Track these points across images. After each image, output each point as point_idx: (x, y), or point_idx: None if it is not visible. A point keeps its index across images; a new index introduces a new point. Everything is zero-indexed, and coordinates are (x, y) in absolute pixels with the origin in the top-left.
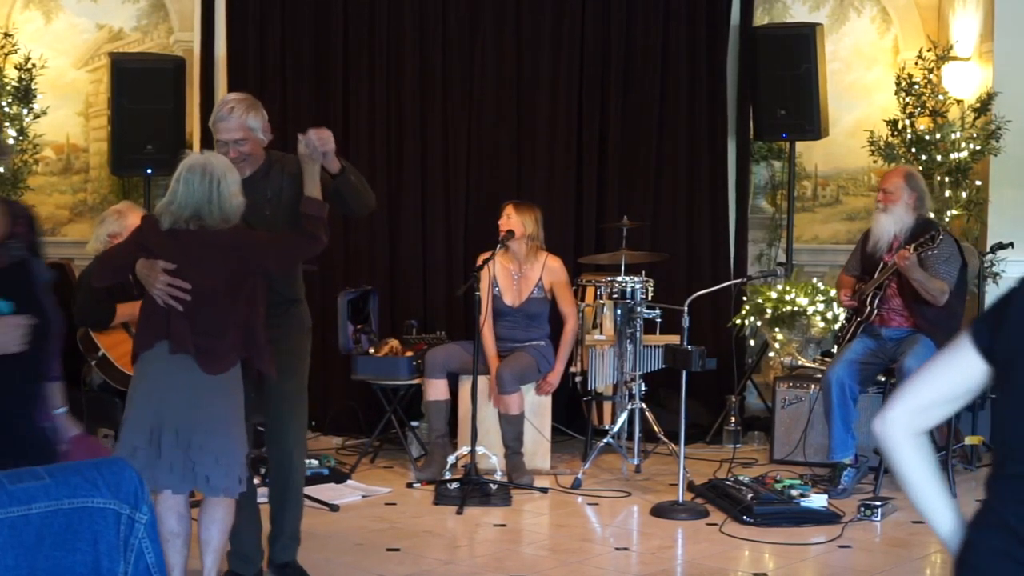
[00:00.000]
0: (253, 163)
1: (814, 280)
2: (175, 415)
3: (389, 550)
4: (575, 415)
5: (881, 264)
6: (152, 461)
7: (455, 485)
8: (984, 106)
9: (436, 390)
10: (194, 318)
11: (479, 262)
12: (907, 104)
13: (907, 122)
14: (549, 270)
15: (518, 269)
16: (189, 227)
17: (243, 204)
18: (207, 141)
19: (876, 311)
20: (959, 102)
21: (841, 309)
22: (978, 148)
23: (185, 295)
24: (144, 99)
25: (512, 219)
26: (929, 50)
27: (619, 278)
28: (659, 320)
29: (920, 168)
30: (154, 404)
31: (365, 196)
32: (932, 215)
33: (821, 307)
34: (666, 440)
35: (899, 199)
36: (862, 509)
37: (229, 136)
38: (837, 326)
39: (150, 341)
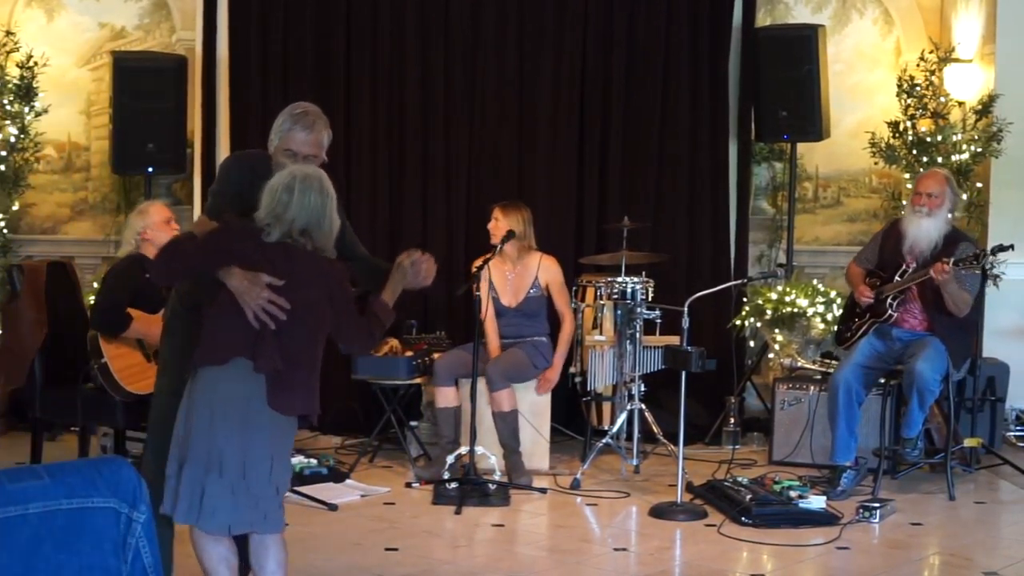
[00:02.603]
0: None
1: (814, 282)
2: (224, 439)
3: (388, 550)
4: (574, 415)
5: (904, 267)
6: (188, 483)
7: (454, 485)
8: (986, 108)
9: (446, 397)
10: (282, 340)
11: (477, 264)
12: (909, 106)
13: (909, 124)
14: (545, 269)
15: (512, 269)
16: (305, 245)
17: (339, 224)
18: (208, 140)
19: (895, 313)
20: (961, 104)
21: (839, 309)
22: (979, 150)
23: (282, 314)
24: (146, 98)
25: (500, 222)
26: (931, 52)
27: (619, 279)
28: (659, 321)
29: (921, 170)
30: (209, 425)
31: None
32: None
33: (821, 308)
34: (665, 441)
35: (943, 204)
36: (860, 511)
37: (304, 150)
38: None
39: (224, 356)
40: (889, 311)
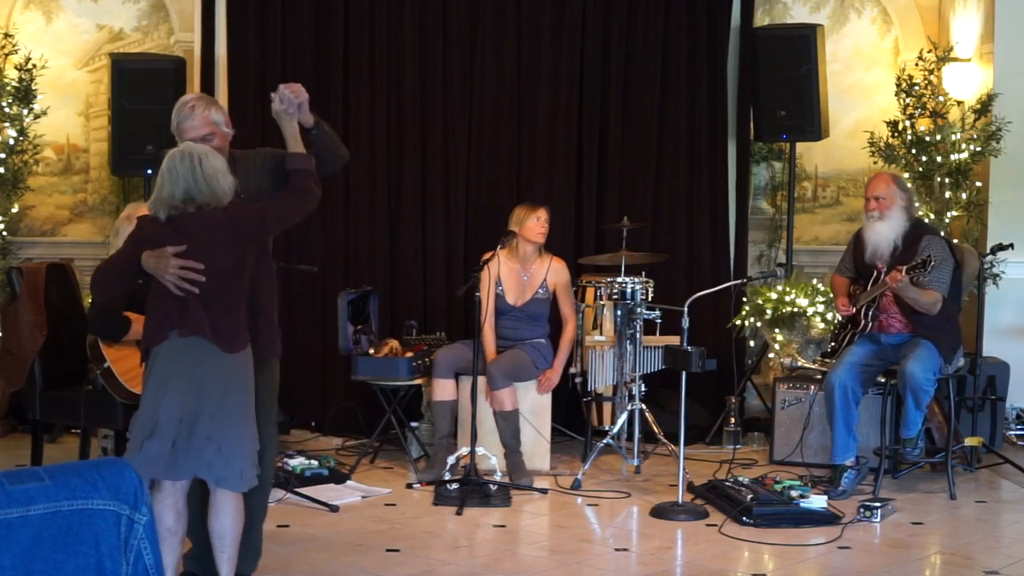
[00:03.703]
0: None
1: (814, 281)
2: (185, 403)
3: (389, 551)
4: (575, 416)
5: (874, 275)
6: (159, 452)
7: (455, 486)
8: (984, 107)
9: (444, 390)
10: (208, 300)
11: (482, 260)
12: (907, 105)
13: (907, 123)
14: (554, 271)
15: (526, 270)
16: (188, 210)
17: (234, 182)
18: None
19: (871, 323)
20: (959, 103)
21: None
22: (978, 149)
23: (199, 276)
24: (144, 99)
25: (547, 226)
26: (929, 51)
27: (619, 279)
28: (659, 321)
29: (920, 169)
30: (164, 394)
31: (338, 148)
32: (920, 214)
33: (821, 308)
34: (666, 441)
35: (893, 204)
36: (861, 510)
37: (196, 134)
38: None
39: (164, 332)
40: (864, 321)
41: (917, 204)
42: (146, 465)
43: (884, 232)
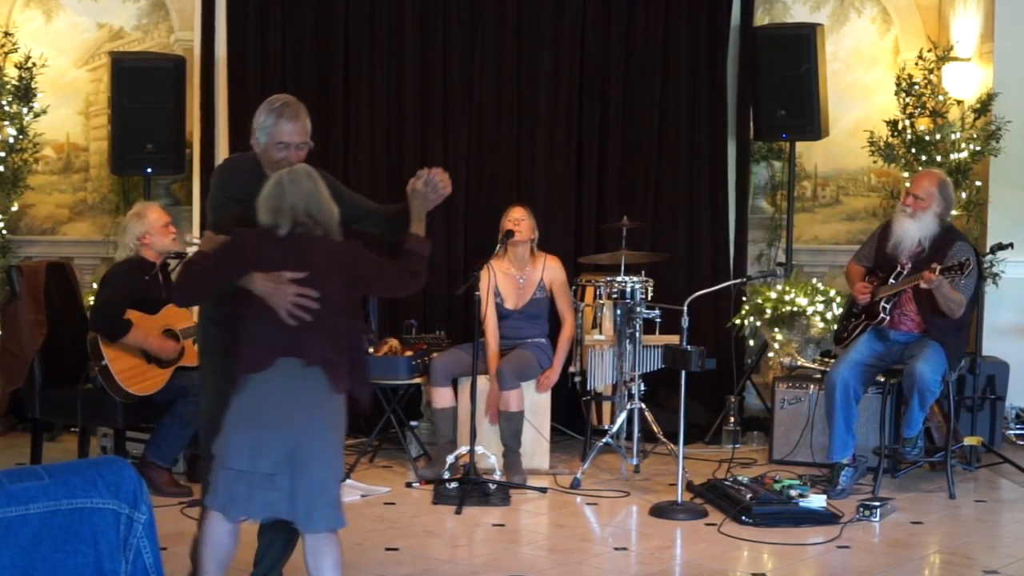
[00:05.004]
0: None
1: (814, 280)
2: (289, 438)
3: (388, 549)
4: (574, 415)
5: (898, 269)
6: (254, 488)
7: (454, 485)
8: (984, 107)
9: (443, 398)
10: (322, 329)
11: (479, 264)
12: (907, 104)
13: (907, 123)
14: (549, 269)
15: (521, 272)
16: (315, 230)
17: (338, 213)
18: (207, 140)
19: (888, 316)
20: (959, 103)
21: (839, 308)
22: (978, 149)
23: (314, 304)
24: (144, 98)
25: (523, 223)
26: (929, 50)
27: (619, 278)
28: (659, 320)
29: (920, 168)
30: (269, 426)
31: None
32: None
33: (821, 307)
34: (665, 440)
35: (929, 207)
36: (861, 509)
37: (294, 139)
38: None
39: (269, 359)
40: (882, 314)
41: (954, 213)
42: (233, 496)
43: (911, 230)
